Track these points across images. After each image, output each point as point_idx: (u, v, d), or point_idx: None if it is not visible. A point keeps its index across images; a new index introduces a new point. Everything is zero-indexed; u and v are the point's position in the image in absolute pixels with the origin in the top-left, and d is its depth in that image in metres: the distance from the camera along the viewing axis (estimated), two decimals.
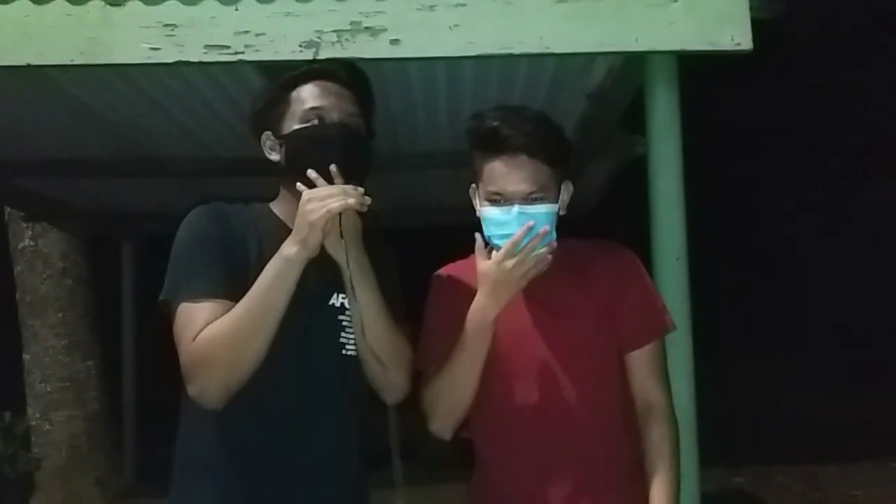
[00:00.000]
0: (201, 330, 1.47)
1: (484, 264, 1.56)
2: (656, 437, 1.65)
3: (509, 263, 1.51)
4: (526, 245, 1.51)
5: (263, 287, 1.48)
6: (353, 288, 1.53)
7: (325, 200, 1.45)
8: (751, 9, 1.78)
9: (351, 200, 1.46)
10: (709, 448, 1.83)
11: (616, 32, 1.79)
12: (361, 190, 1.49)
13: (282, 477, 1.55)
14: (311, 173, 1.50)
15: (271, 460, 1.55)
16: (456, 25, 1.77)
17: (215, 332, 1.47)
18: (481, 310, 1.57)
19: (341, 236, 1.50)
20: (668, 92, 1.83)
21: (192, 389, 1.50)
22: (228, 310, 1.49)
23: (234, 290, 1.51)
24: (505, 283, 1.53)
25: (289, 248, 1.49)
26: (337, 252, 1.52)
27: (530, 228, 1.50)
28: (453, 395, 1.63)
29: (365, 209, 1.49)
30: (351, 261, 1.52)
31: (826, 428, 7.00)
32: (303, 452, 1.56)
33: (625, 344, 1.69)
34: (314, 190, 1.48)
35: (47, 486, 5.26)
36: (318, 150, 1.53)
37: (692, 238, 1.80)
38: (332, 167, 1.50)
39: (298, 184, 1.52)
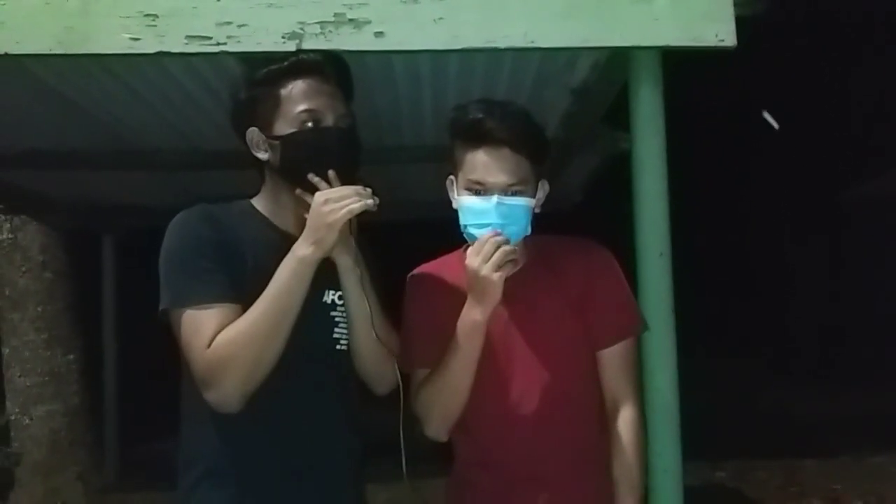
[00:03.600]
0: (214, 336, 1.46)
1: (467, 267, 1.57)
2: (622, 437, 1.66)
3: (477, 262, 1.52)
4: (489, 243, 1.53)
5: (279, 288, 1.48)
6: (355, 286, 1.57)
7: (342, 202, 1.47)
8: (735, 6, 1.79)
9: (369, 202, 1.49)
10: (691, 443, 1.84)
11: (600, 28, 1.79)
12: (370, 191, 1.51)
13: (287, 472, 1.56)
14: (313, 178, 1.52)
15: (275, 456, 1.56)
16: (440, 18, 1.76)
17: (234, 336, 1.46)
18: (469, 312, 1.58)
19: (351, 233, 1.54)
20: (652, 88, 1.83)
21: (211, 395, 1.48)
22: (236, 313, 1.48)
23: (236, 293, 1.50)
24: (481, 282, 1.53)
25: (303, 249, 1.49)
26: (339, 254, 1.55)
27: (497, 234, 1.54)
28: (449, 398, 1.64)
29: (375, 209, 1.50)
30: (356, 260, 1.57)
31: (805, 423, 7.08)
32: (305, 447, 1.57)
33: (596, 342, 1.69)
34: (329, 191, 1.50)
35: (27, 482, 5.21)
36: (317, 155, 1.54)
37: (675, 234, 1.80)
38: (331, 173, 1.52)
39: (298, 189, 1.55)
